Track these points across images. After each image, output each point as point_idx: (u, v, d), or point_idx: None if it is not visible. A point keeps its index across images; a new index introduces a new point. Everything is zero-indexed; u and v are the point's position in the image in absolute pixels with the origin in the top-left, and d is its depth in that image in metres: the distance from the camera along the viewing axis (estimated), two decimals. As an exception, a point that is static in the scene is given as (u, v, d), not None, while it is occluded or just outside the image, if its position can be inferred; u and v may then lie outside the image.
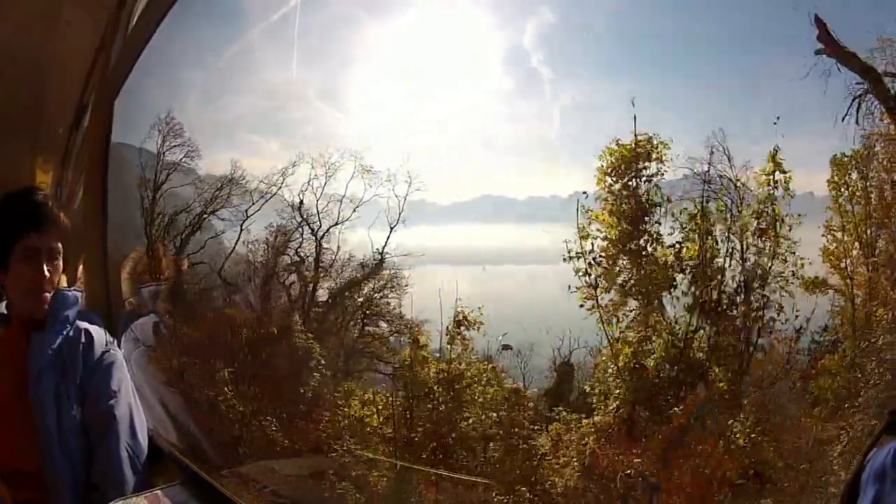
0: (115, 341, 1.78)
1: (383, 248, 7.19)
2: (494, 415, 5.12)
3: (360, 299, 7.36)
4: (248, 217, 7.25)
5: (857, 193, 6.31)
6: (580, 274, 5.13)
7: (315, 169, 7.20)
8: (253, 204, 7.29)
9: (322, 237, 7.18)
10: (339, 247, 7.20)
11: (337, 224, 7.22)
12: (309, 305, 6.99)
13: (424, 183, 7.39)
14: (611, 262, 5.10)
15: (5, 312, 1.69)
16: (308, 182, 7.18)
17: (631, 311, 5.07)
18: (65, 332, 1.63)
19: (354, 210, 7.19)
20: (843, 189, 6.32)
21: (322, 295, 7.19)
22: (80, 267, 2.55)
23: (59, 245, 1.66)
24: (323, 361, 5.58)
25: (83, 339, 1.65)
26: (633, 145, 5.17)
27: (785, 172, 5.57)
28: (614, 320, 5.09)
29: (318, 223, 7.23)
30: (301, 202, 7.17)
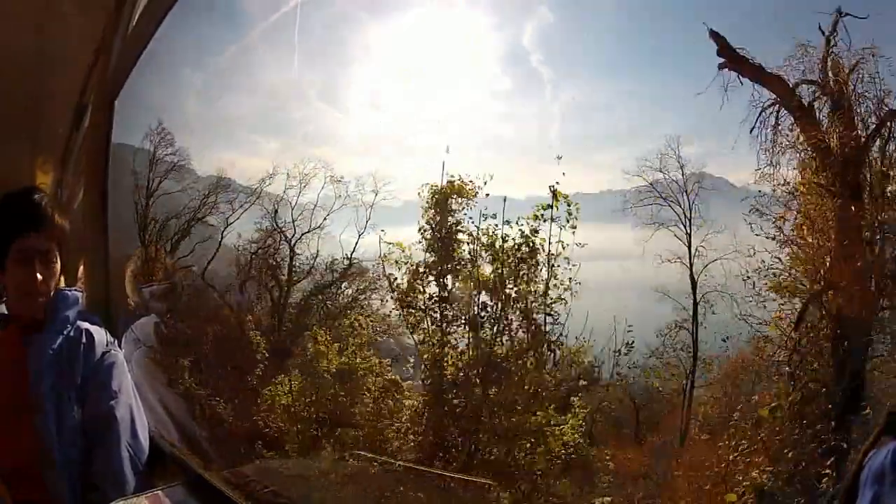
0: (116, 342, 1.77)
1: (352, 252, 7.84)
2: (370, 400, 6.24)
3: (345, 300, 8.00)
4: (228, 225, 7.92)
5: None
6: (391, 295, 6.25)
7: (290, 179, 7.85)
8: (233, 213, 7.99)
9: (294, 244, 7.75)
10: (318, 251, 7.87)
11: (311, 231, 7.83)
12: (283, 306, 7.50)
13: (391, 192, 8.08)
14: (411, 286, 6.16)
15: (5, 313, 1.69)
16: (284, 192, 7.82)
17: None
18: (65, 332, 1.63)
19: (325, 218, 7.83)
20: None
21: (299, 297, 7.76)
22: (81, 267, 2.54)
23: (55, 247, 1.65)
24: (267, 354, 6.31)
25: (84, 340, 1.65)
26: (440, 188, 6.27)
27: (570, 204, 6.00)
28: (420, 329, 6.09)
29: (293, 230, 7.79)
30: (276, 211, 7.80)
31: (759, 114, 5.98)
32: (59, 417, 1.56)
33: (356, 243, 7.82)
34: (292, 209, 7.76)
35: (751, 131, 5.98)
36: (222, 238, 7.84)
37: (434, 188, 6.19)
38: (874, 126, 5.73)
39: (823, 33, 5.76)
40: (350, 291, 7.91)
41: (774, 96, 5.96)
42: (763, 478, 4.68)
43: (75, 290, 1.74)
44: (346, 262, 7.78)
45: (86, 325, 1.68)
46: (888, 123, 5.69)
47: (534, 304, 5.64)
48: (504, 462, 5.13)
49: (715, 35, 5.98)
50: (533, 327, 5.60)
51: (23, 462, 1.52)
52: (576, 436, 5.30)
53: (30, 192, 1.71)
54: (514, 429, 5.18)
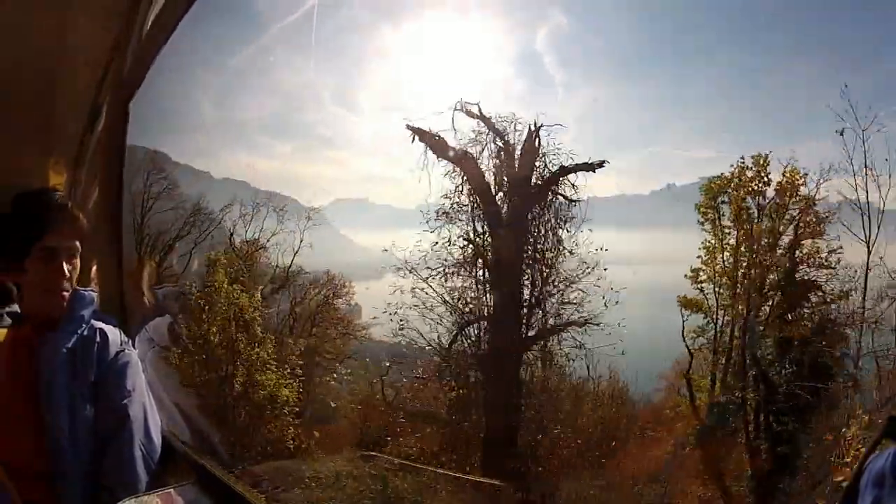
0: (130, 341, 1.78)
1: (289, 268, 9.95)
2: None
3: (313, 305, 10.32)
4: (196, 245, 9.84)
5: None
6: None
7: (243, 207, 9.96)
8: (200, 234, 9.95)
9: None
10: (276, 266, 10.01)
11: (258, 250, 9.90)
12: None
13: (325, 216, 10.73)
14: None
15: (18, 311, 1.70)
16: (240, 216, 9.95)
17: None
18: (80, 332, 1.64)
19: (268, 240, 9.88)
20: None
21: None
22: (94, 269, 2.56)
23: (78, 245, 1.67)
24: (186, 338, 8.50)
25: (98, 339, 1.66)
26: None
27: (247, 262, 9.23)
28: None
29: (246, 249, 9.82)
30: (231, 233, 9.86)
31: (459, 187, 7.64)
32: (71, 416, 1.57)
33: (292, 260, 10.06)
34: (246, 231, 9.88)
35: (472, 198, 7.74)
36: (191, 256, 9.72)
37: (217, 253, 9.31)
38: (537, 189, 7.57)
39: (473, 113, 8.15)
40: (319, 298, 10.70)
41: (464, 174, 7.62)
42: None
43: (90, 289, 1.75)
44: (284, 276, 10.10)
45: (100, 324, 1.70)
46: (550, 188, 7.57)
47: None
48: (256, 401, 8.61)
49: (410, 128, 7.69)
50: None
51: (32, 461, 1.53)
52: (281, 391, 8.74)
53: (49, 192, 1.74)
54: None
